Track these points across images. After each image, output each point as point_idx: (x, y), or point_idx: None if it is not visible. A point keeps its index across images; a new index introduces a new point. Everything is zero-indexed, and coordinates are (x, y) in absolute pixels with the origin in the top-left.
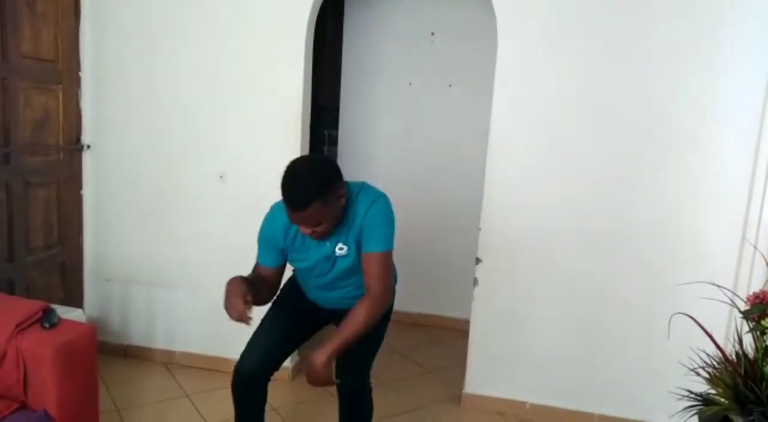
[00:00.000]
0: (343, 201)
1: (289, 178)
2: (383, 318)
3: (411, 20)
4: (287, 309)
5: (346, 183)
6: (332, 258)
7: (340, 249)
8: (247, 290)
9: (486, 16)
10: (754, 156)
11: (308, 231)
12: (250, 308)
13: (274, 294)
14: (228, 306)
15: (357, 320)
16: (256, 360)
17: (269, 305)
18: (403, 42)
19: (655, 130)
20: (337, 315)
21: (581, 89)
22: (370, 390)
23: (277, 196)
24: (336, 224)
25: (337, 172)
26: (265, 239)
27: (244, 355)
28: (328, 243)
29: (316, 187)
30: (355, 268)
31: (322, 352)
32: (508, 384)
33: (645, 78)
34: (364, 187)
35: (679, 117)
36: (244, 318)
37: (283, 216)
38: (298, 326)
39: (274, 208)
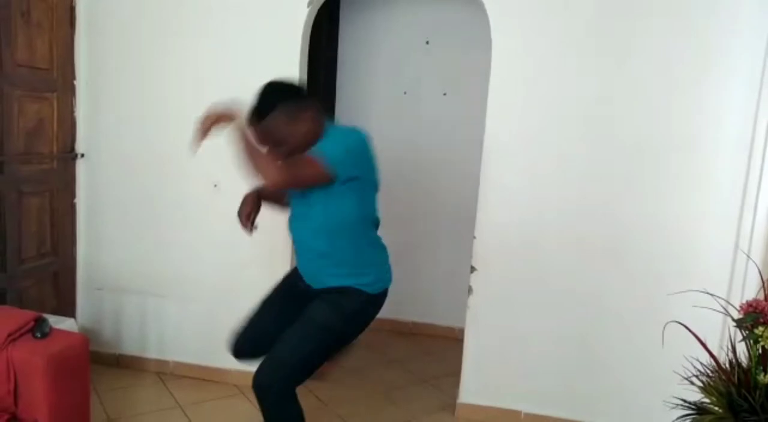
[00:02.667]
0: (309, 125)
1: (259, 90)
2: (331, 330)
3: (405, 29)
4: (278, 295)
5: (332, 124)
6: (308, 197)
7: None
8: (252, 206)
9: (480, 24)
10: (746, 164)
11: (272, 152)
12: (250, 221)
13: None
14: (240, 210)
15: (267, 163)
16: (248, 347)
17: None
18: (397, 50)
19: (648, 139)
20: (312, 301)
21: (575, 97)
22: (284, 398)
23: None
24: (304, 148)
25: (302, 93)
26: None
27: (235, 337)
28: None
29: (276, 98)
30: (329, 227)
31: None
32: (503, 394)
33: (638, 87)
34: (337, 126)
35: (672, 126)
36: (245, 226)
37: None
38: (286, 309)
39: None
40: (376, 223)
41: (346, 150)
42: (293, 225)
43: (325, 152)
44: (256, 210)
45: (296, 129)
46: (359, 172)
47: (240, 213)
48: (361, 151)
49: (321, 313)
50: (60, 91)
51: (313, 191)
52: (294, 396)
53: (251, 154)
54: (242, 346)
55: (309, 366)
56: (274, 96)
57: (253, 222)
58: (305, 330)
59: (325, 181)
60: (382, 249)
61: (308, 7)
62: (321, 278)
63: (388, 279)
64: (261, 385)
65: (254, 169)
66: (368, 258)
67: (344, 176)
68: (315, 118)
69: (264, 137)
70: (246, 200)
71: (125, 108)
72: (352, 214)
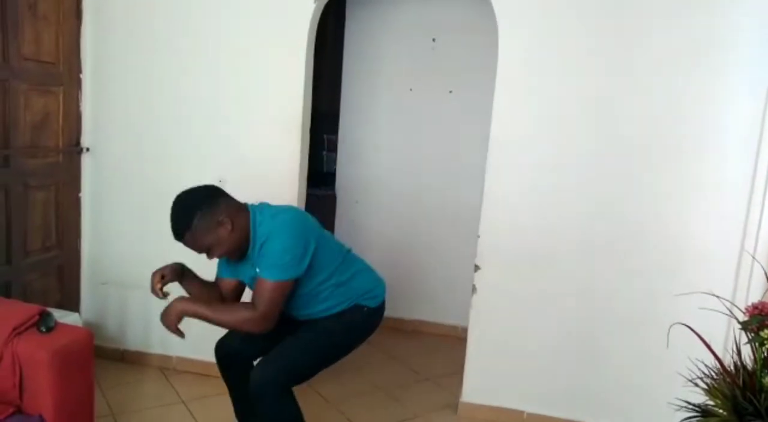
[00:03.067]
0: (227, 227)
1: (170, 211)
2: (345, 332)
3: (412, 26)
4: None
5: (249, 207)
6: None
7: (258, 272)
8: (171, 271)
9: (487, 22)
10: (753, 165)
11: (209, 257)
12: (161, 285)
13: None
14: (153, 273)
15: (229, 313)
16: (236, 344)
17: None
18: (404, 48)
19: (654, 139)
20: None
21: (581, 97)
22: (280, 399)
23: (276, 200)
24: (242, 247)
25: (206, 202)
26: None
27: (222, 342)
28: (251, 264)
29: (183, 219)
30: (302, 303)
31: (186, 305)
32: (506, 393)
33: (645, 86)
34: (263, 211)
35: (679, 126)
36: (153, 291)
37: None
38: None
39: None
40: (344, 256)
41: (288, 252)
42: None
43: (273, 267)
44: (174, 277)
45: (219, 235)
46: (310, 255)
47: (154, 273)
48: (299, 241)
49: (328, 321)
50: (66, 85)
51: None
52: (291, 396)
53: (205, 317)
54: (228, 351)
55: (308, 370)
56: (184, 213)
57: (163, 285)
58: (312, 335)
59: (293, 287)
60: (362, 272)
61: (315, 3)
62: (300, 315)
63: (382, 291)
64: (258, 383)
65: (229, 327)
66: (356, 290)
67: (302, 272)
68: (232, 216)
69: (197, 248)
70: (169, 264)
71: (131, 102)
72: (320, 284)
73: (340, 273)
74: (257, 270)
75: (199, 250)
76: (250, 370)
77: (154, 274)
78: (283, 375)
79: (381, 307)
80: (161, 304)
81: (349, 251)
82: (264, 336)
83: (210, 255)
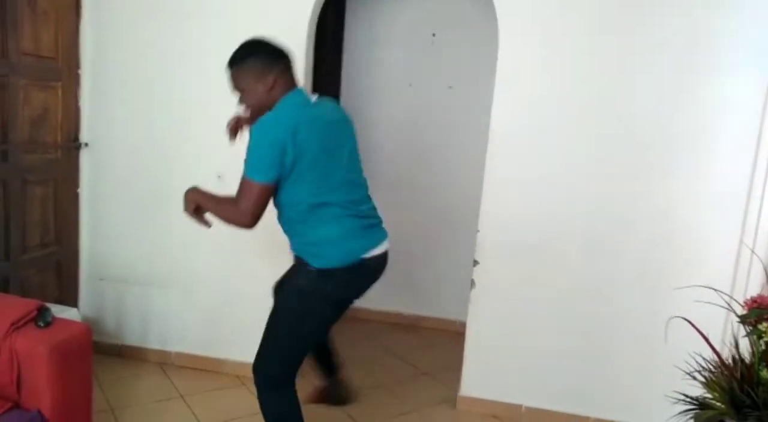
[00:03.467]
0: (266, 87)
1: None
2: (292, 310)
3: (412, 21)
4: None
5: (296, 92)
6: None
7: None
8: (202, 195)
9: (487, 17)
10: (752, 160)
11: (239, 99)
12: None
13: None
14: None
15: (223, 205)
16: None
17: None
18: (403, 43)
19: (653, 135)
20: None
21: (582, 93)
22: (275, 386)
23: None
24: (261, 111)
25: (271, 57)
26: None
27: None
28: None
29: (241, 53)
30: (281, 210)
31: (197, 194)
32: (504, 387)
33: (645, 81)
34: (292, 100)
35: (677, 122)
36: (197, 217)
37: None
38: None
39: None
40: (352, 186)
41: (254, 151)
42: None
43: (245, 161)
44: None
45: (255, 86)
46: (279, 165)
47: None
48: (265, 144)
49: (282, 296)
50: (65, 81)
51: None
52: (287, 388)
53: (212, 209)
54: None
55: (289, 350)
56: (250, 48)
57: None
58: (273, 315)
59: (273, 190)
60: (337, 226)
61: None
62: (292, 244)
63: (337, 258)
64: (253, 370)
65: (223, 220)
66: (316, 238)
67: (271, 179)
68: (276, 83)
69: (234, 84)
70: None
71: (130, 98)
72: (294, 200)
73: (313, 213)
74: None
75: (234, 87)
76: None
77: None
78: (272, 362)
79: (333, 272)
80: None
81: (357, 189)
82: None
83: (240, 100)
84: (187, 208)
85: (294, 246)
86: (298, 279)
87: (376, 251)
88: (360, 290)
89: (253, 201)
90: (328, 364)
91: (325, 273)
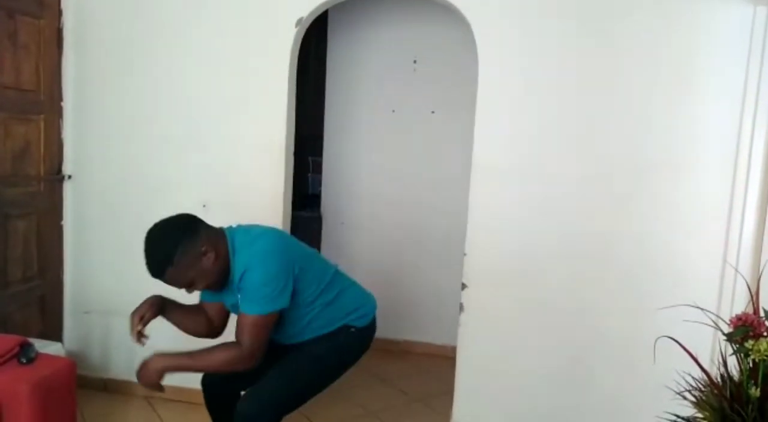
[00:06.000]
0: (210, 256)
1: (145, 244)
2: (334, 356)
3: (393, 47)
4: None
5: (225, 232)
6: (238, 306)
7: (239, 304)
8: (150, 308)
9: (468, 43)
10: (732, 178)
11: (189, 292)
12: (142, 326)
13: (216, 329)
14: (132, 314)
15: (212, 357)
16: (219, 377)
17: None
18: (385, 69)
19: (635, 155)
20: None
21: (562, 115)
22: None
23: (262, 223)
24: (221, 277)
25: (187, 233)
26: None
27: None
28: (231, 290)
29: (163, 255)
30: (294, 330)
31: (166, 360)
32: (497, 412)
33: (624, 103)
34: (240, 236)
35: (658, 141)
36: (132, 334)
37: None
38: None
39: None
40: (331, 275)
41: (269, 285)
42: None
43: (253, 301)
44: (154, 314)
45: (203, 266)
46: (292, 283)
47: (132, 314)
48: (280, 271)
49: (315, 346)
50: (47, 113)
51: None
52: None
53: (190, 368)
54: (212, 382)
55: (296, 400)
56: (164, 248)
57: (143, 326)
58: (300, 362)
59: (277, 318)
60: (349, 289)
61: (296, 27)
62: (286, 339)
63: (371, 308)
64: (248, 416)
65: (217, 371)
66: (343, 310)
67: (285, 303)
68: (214, 244)
69: (180, 283)
70: (146, 301)
71: (113, 129)
72: (306, 307)
73: (327, 293)
74: (239, 297)
75: (180, 286)
76: (236, 403)
77: (132, 316)
78: (270, 409)
79: (371, 326)
80: (146, 331)
81: (335, 269)
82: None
83: (191, 289)
84: (150, 383)
85: (322, 329)
86: (334, 336)
87: None
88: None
89: (261, 337)
90: None
91: (365, 331)
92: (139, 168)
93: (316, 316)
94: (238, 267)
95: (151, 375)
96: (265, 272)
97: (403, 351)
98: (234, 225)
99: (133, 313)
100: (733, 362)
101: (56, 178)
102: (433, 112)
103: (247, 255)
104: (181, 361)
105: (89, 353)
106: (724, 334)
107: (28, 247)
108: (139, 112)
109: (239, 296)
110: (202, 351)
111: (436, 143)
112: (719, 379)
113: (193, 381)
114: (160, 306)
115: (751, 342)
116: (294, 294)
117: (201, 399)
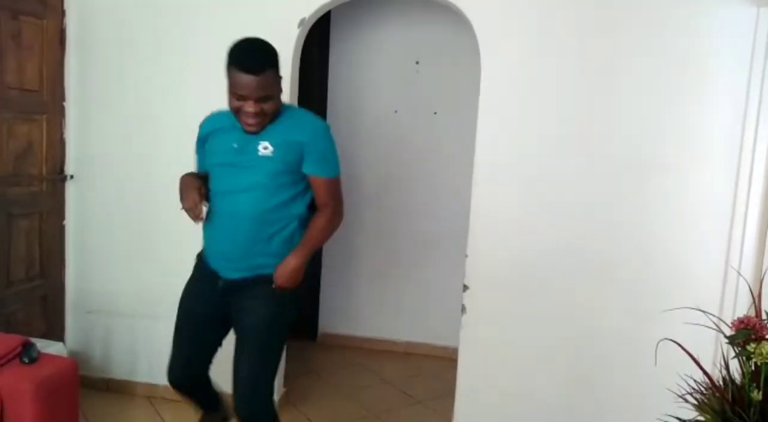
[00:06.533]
0: (282, 89)
1: (245, 44)
2: (287, 324)
3: (396, 48)
4: (190, 320)
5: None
6: (253, 155)
7: (265, 148)
8: (201, 184)
9: (470, 44)
10: (734, 180)
11: (256, 108)
12: (202, 201)
13: None
14: (182, 198)
15: (317, 229)
16: (180, 374)
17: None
18: (388, 70)
19: (638, 156)
20: (242, 307)
21: (565, 116)
22: (273, 416)
23: None
24: (274, 117)
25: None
26: (199, 141)
27: (169, 367)
28: (254, 139)
29: (272, 54)
30: (269, 186)
31: (297, 258)
32: (499, 415)
33: (627, 104)
34: (308, 114)
35: (661, 142)
36: (196, 211)
37: (215, 119)
38: (206, 332)
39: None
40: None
41: (333, 148)
42: (227, 198)
43: (335, 164)
44: (204, 185)
45: (279, 92)
46: None
47: (188, 195)
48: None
49: (269, 313)
50: (50, 113)
51: (273, 171)
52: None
53: (315, 242)
54: (182, 381)
55: (277, 369)
56: (271, 50)
57: (202, 199)
58: (264, 338)
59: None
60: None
61: (299, 27)
62: (246, 265)
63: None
64: (255, 413)
65: (325, 238)
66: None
67: None
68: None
69: (261, 92)
70: (188, 182)
71: (115, 129)
72: (302, 208)
73: (308, 214)
74: (278, 150)
75: (260, 93)
76: (208, 380)
77: (188, 198)
78: (265, 397)
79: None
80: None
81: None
82: (197, 346)
83: (264, 108)
84: (297, 281)
85: (263, 268)
86: (273, 297)
87: None
88: None
89: (342, 195)
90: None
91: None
92: (142, 167)
93: (291, 235)
94: (302, 121)
95: (297, 273)
96: (327, 136)
97: (405, 352)
98: None
99: (188, 194)
100: (735, 365)
101: (59, 177)
102: (435, 113)
103: (311, 122)
104: (305, 249)
105: (91, 353)
106: (726, 337)
107: (31, 247)
108: (141, 112)
109: (312, 157)
110: (309, 231)
111: (438, 144)
112: (721, 382)
113: None
114: (199, 179)
115: (753, 345)
116: (304, 190)
117: None
